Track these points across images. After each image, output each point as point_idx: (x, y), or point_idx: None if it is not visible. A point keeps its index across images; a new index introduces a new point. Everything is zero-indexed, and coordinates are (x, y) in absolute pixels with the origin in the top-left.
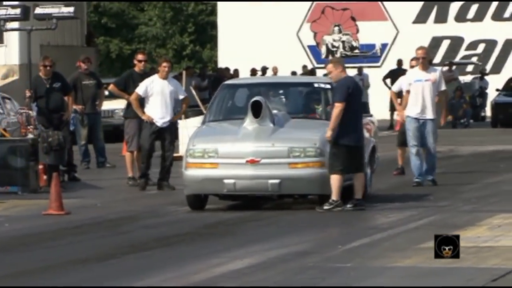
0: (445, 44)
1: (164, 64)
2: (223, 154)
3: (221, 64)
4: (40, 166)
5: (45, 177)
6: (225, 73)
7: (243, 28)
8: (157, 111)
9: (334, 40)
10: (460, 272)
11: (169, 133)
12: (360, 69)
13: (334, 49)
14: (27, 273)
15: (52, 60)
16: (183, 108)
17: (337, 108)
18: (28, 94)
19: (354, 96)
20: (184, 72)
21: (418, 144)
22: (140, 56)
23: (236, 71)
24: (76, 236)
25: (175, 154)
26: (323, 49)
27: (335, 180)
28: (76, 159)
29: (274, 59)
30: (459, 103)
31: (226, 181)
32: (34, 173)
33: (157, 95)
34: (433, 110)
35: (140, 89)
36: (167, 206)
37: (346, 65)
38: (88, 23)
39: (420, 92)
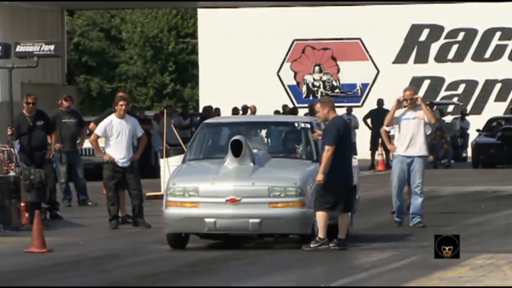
0: (426, 84)
1: (121, 102)
2: (203, 193)
3: (202, 103)
4: (22, 204)
5: (27, 214)
6: (211, 112)
7: (224, 67)
8: (118, 151)
9: (314, 80)
10: None
11: (132, 171)
12: (349, 109)
13: (315, 88)
14: None
15: (35, 97)
16: (141, 146)
17: (328, 151)
18: (9, 131)
19: (344, 136)
20: (165, 111)
21: (401, 185)
22: (122, 95)
23: (217, 110)
24: (58, 274)
25: (157, 193)
26: (304, 89)
27: (321, 218)
28: (58, 197)
29: (254, 98)
30: (440, 144)
31: (206, 220)
32: (16, 210)
33: (117, 135)
34: (421, 148)
35: (99, 130)
36: (149, 244)
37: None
38: (68, 61)
39: (410, 130)
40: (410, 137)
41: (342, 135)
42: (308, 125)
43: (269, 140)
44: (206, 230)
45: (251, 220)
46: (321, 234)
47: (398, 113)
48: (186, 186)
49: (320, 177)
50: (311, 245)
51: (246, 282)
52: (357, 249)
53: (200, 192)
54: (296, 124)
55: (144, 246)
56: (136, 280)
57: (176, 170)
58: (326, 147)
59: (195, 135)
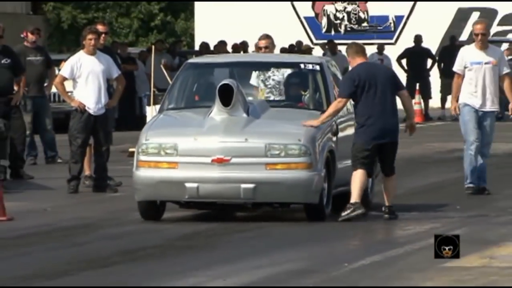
0: (474, 17)
1: (90, 36)
2: (184, 151)
3: (199, 38)
4: None
5: None
6: (208, 50)
7: None
8: (89, 96)
9: (337, 11)
10: None
11: (104, 122)
12: (380, 47)
13: (337, 21)
14: None
15: (3, 28)
16: (119, 90)
17: (338, 102)
18: None
19: (369, 86)
20: (152, 48)
21: (479, 140)
22: (100, 27)
23: (222, 43)
24: (20, 247)
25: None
26: (324, 22)
27: (355, 177)
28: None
29: (263, 33)
30: None
31: (187, 185)
32: None
33: (87, 76)
34: (495, 100)
35: (65, 71)
36: (132, 212)
37: (353, 41)
38: None
39: (481, 77)
40: (481, 86)
41: (363, 85)
42: (318, 67)
43: (267, 85)
44: (186, 197)
45: (243, 186)
46: (352, 198)
47: (465, 53)
48: (162, 142)
49: (315, 122)
50: (342, 215)
51: (251, 260)
52: (388, 220)
53: (180, 149)
54: (302, 66)
55: (125, 214)
56: (116, 255)
57: (151, 122)
58: (337, 98)
59: (175, 77)
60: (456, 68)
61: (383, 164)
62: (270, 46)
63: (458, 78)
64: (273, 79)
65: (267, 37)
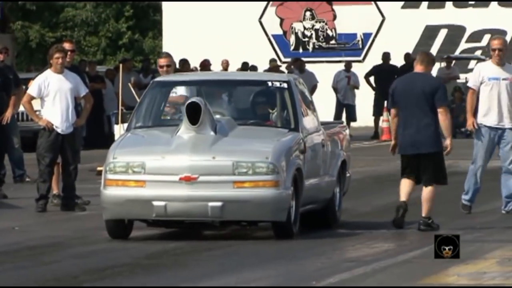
0: (442, 34)
1: (57, 55)
2: (151, 169)
3: None
4: None
5: None
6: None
7: (193, 12)
8: (57, 115)
9: (305, 28)
10: None
11: (71, 141)
12: (348, 65)
13: (306, 39)
14: None
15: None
16: (87, 108)
17: (390, 116)
18: None
19: (400, 98)
20: (120, 66)
21: (486, 164)
22: (67, 45)
23: (184, 61)
24: None
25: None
26: (292, 39)
27: (401, 184)
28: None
29: (231, 51)
30: (460, 108)
31: (155, 203)
32: None
33: (54, 94)
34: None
35: (32, 90)
36: (100, 231)
37: (321, 58)
38: (2, 5)
39: (498, 94)
40: (497, 103)
41: (398, 96)
42: (285, 85)
43: (235, 103)
44: (154, 215)
45: (211, 204)
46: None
47: (482, 68)
48: (129, 160)
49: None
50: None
51: (219, 278)
52: (355, 237)
53: (147, 168)
54: (270, 83)
55: (93, 233)
56: (84, 274)
57: (118, 141)
58: None
59: (143, 96)
60: (472, 83)
61: (420, 173)
62: (172, 65)
63: (472, 93)
64: (175, 93)
65: (167, 55)
